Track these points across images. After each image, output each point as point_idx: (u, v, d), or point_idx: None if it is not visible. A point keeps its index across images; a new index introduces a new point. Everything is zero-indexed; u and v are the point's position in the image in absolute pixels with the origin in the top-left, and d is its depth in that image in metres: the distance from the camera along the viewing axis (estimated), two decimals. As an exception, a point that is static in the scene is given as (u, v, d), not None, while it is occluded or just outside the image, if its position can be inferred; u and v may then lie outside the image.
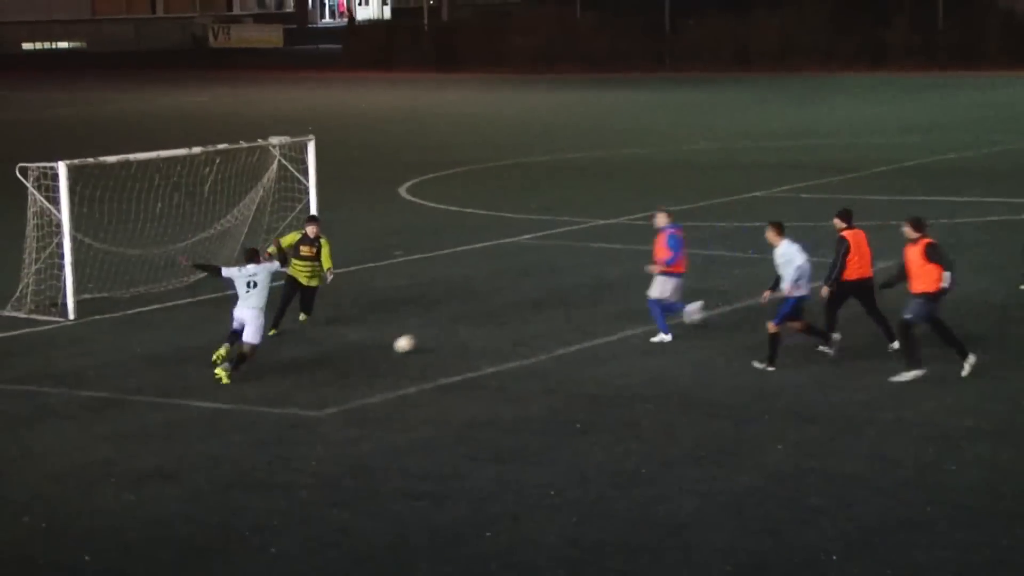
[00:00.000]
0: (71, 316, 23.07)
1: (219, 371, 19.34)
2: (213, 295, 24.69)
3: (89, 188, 26.50)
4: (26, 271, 23.69)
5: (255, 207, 26.74)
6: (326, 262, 22.16)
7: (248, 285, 19.58)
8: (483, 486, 15.39)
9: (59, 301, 23.41)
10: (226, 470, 16.08)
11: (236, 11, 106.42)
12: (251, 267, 19.69)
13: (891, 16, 74.53)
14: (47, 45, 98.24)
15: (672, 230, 21.51)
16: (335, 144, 43.22)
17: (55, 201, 23.23)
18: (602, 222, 31.01)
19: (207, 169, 28.32)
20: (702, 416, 17.59)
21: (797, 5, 75.28)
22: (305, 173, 26.72)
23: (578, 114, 56.70)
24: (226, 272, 19.99)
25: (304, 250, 22.15)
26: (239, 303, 19.64)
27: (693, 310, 21.67)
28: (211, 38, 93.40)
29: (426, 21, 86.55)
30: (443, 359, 20.39)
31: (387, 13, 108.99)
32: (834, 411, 17.68)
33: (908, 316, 18.67)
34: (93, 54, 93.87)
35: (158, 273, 25.39)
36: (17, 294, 23.57)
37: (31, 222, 23.70)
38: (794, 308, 19.52)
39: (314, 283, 22.36)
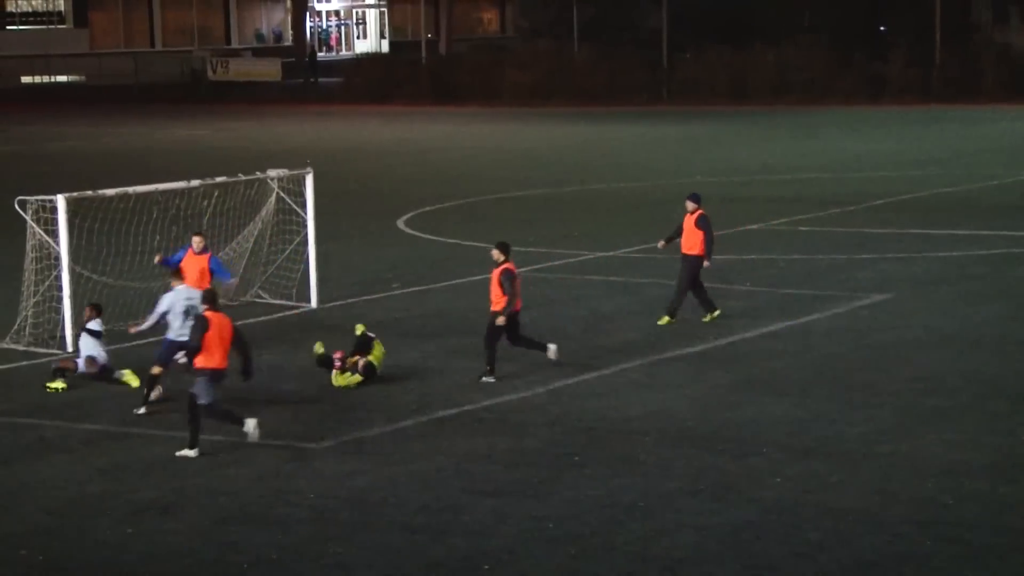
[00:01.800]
0: (69, 348, 23.05)
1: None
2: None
3: (88, 220, 26.52)
4: (24, 304, 23.70)
5: (253, 240, 26.79)
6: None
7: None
8: (481, 519, 15.37)
9: (58, 333, 23.41)
10: (223, 503, 16.06)
11: (234, 45, 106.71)
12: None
13: (888, 50, 74.79)
14: (46, 79, 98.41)
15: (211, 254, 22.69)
16: (333, 177, 43.29)
17: (54, 234, 23.27)
18: (600, 255, 31.04)
19: (206, 202, 28.37)
20: (700, 450, 17.58)
21: (794, 39, 75.52)
22: (303, 206, 26.77)
23: (575, 148, 56.81)
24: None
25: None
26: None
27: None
28: (209, 71, 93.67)
29: (424, 55, 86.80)
30: (440, 392, 20.38)
31: (385, 47, 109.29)
32: (831, 444, 17.67)
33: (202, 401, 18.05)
34: (92, 87, 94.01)
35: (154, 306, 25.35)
36: (15, 327, 23.57)
37: (30, 255, 23.72)
38: (169, 349, 19.78)
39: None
